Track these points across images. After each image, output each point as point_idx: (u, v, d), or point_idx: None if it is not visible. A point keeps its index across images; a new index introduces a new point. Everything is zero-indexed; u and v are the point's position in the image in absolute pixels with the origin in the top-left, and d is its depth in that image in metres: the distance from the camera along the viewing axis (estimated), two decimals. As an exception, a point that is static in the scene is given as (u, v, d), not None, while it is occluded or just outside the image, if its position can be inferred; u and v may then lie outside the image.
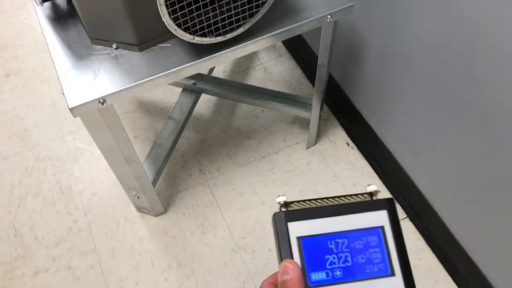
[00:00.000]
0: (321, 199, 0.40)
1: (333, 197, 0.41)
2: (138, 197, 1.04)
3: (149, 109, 1.34)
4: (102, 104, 0.71)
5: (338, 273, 0.37)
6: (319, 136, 1.24)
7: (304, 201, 0.40)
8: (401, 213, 1.10)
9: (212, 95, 1.24)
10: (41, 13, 0.83)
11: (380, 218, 0.39)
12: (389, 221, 0.39)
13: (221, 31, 0.71)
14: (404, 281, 0.37)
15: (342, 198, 0.41)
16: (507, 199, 0.78)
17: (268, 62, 1.43)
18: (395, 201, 0.40)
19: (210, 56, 0.74)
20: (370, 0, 0.92)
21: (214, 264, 1.05)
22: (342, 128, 1.26)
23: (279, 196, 0.39)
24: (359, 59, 1.06)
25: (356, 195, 0.41)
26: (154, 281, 1.04)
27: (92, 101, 0.70)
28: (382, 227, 0.39)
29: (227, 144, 1.25)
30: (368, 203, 0.40)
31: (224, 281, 1.03)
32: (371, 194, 0.41)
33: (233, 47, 0.75)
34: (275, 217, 0.39)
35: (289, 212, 0.39)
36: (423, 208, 1.03)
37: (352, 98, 1.17)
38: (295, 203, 0.40)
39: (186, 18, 0.66)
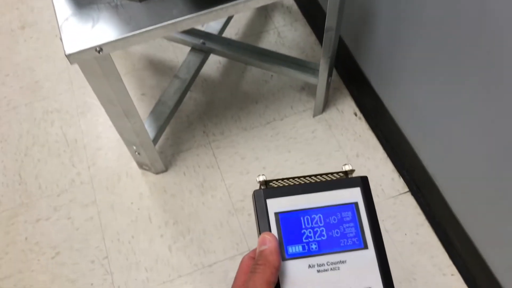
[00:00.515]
0: (299, 177, 0.42)
1: (310, 176, 0.43)
2: (138, 153, 1.04)
3: (158, 67, 1.33)
4: (99, 52, 0.71)
5: (313, 246, 0.39)
6: (327, 105, 1.22)
7: (282, 179, 0.42)
8: (403, 187, 1.08)
9: (220, 55, 1.22)
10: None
11: (354, 194, 0.41)
12: (362, 198, 0.40)
13: (222, -17, 0.69)
14: (377, 253, 0.39)
15: (318, 176, 0.43)
16: (510, 178, 0.75)
17: (282, 26, 1.39)
18: (368, 178, 0.42)
19: (210, 10, 0.72)
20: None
21: (210, 224, 1.06)
22: (352, 98, 1.23)
23: (259, 175, 0.41)
24: (370, 25, 1.02)
25: (332, 173, 0.42)
26: (150, 236, 1.05)
27: (89, 49, 0.70)
28: (355, 203, 0.40)
29: (233, 107, 1.23)
30: (343, 181, 0.41)
31: (219, 241, 1.03)
32: (346, 173, 0.42)
33: (235, 2, 0.73)
34: (255, 194, 0.41)
35: (268, 190, 0.41)
36: (425, 183, 1.01)
37: (363, 67, 1.14)
38: (274, 181, 0.42)
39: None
